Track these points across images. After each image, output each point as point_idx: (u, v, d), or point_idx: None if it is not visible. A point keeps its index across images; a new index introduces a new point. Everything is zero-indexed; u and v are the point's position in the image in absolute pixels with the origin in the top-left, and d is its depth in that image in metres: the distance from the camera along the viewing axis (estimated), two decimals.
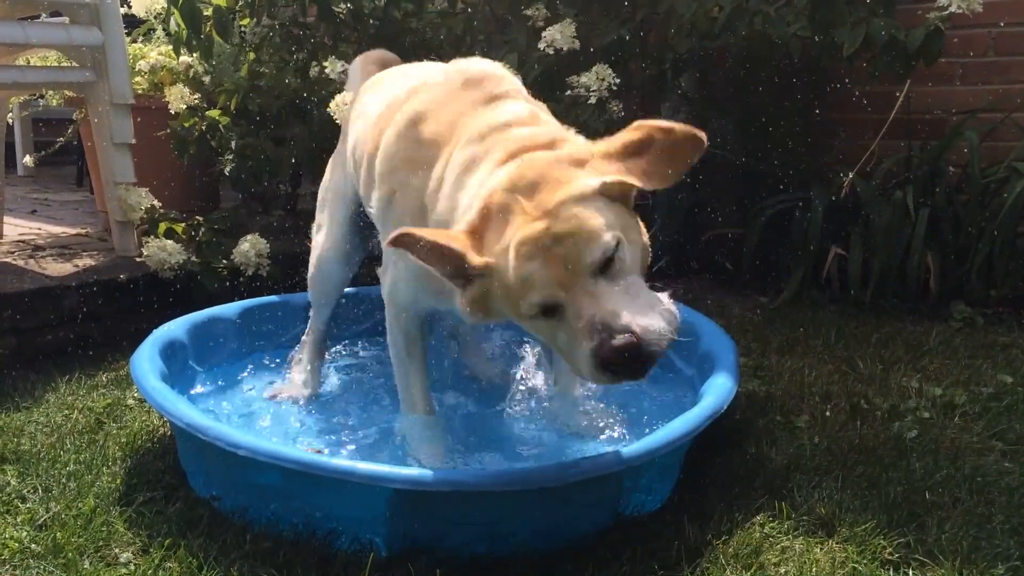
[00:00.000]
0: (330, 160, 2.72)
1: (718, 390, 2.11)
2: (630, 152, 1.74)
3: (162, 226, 3.53)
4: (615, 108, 3.22)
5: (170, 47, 4.00)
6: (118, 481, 2.10)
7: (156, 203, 3.57)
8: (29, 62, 4.24)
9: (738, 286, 3.72)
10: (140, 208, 3.50)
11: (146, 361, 2.27)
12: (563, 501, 1.81)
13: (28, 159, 5.60)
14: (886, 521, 1.87)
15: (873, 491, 2.00)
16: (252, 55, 4.03)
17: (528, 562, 1.74)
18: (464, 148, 1.89)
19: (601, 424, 2.31)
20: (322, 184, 2.72)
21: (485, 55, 2.83)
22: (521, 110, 1.97)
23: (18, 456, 2.23)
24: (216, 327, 2.76)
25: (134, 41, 4.41)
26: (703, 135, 1.73)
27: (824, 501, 1.96)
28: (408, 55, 3.64)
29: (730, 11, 3.18)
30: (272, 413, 2.46)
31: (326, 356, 2.74)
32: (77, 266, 3.41)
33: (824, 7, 3.13)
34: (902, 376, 2.70)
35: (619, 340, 1.55)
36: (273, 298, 3.00)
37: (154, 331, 2.51)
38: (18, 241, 3.89)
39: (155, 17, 4.03)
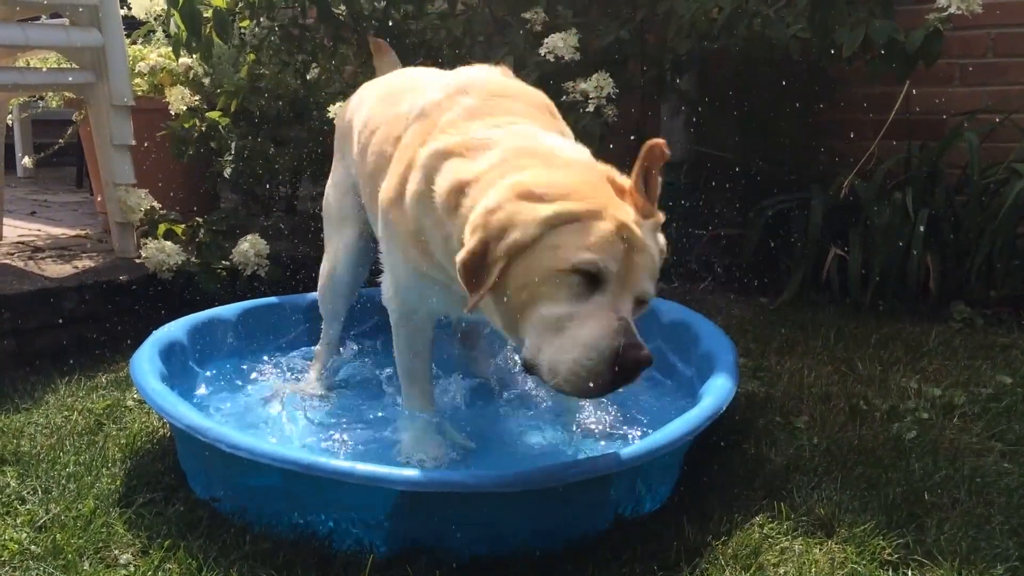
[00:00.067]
0: (329, 178, 2.74)
1: (718, 391, 2.12)
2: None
3: (162, 227, 3.53)
4: (611, 113, 3.23)
5: (170, 49, 4.00)
6: (118, 482, 2.10)
7: (156, 204, 3.57)
8: (29, 63, 4.24)
9: (737, 287, 3.72)
10: (140, 209, 3.50)
11: (146, 362, 2.27)
12: (563, 502, 1.81)
13: (27, 160, 5.60)
14: (885, 522, 1.87)
15: (872, 492, 2.00)
16: (252, 57, 4.03)
17: (528, 563, 1.74)
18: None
19: (601, 425, 2.31)
20: (324, 200, 2.74)
21: (484, 57, 2.84)
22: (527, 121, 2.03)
23: (18, 457, 2.23)
24: (216, 328, 2.76)
25: (134, 43, 4.41)
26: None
27: (823, 502, 1.96)
28: (408, 57, 3.66)
29: (730, 12, 3.18)
30: (272, 414, 2.45)
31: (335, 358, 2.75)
32: (77, 267, 3.41)
33: (823, 8, 3.13)
34: (901, 377, 2.70)
35: (642, 353, 1.62)
36: (273, 299, 3.01)
37: (154, 332, 2.52)
38: (17, 242, 3.89)
39: (155, 19, 4.03)
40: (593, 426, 2.32)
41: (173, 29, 3.87)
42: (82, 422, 2.46)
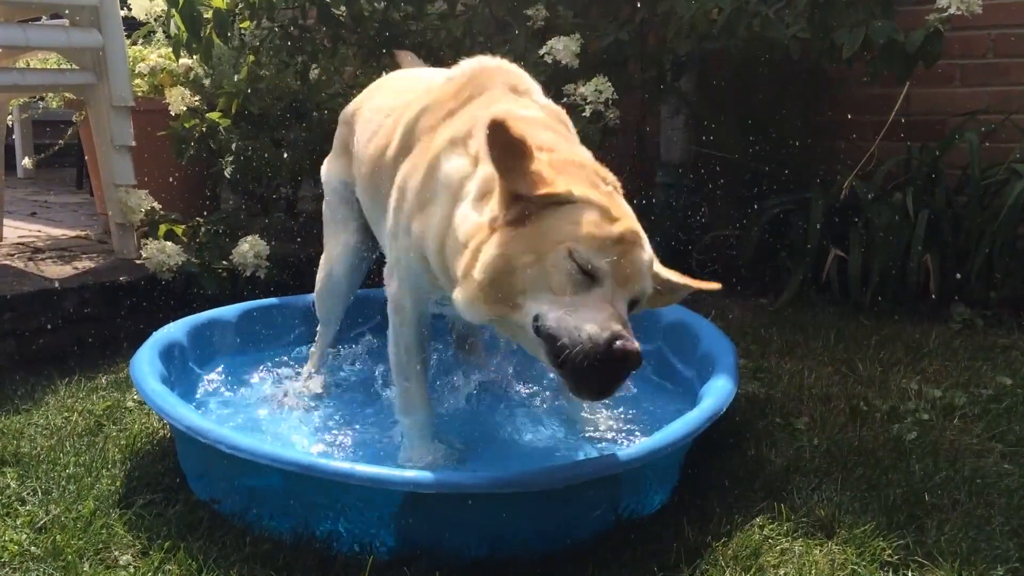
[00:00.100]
0: (327, 180, 2.74)
1: (718, 392, 2.12)
2: None
3: (162, 228, 3.53)
4: (611, 116, 3.23)
5: (170, 49, 4.01)
6: (118, 483, 2.10)
7: (156, 205, 3.57)
8: (29, 64, 4.24)
9: (738, 288, 3.72)
10: (140, 210, 3.50)
11: (146, 363, 2.27)
12: (563, 503, 1.81)
13: (28, 161, 5.62)
14: (885, 523, 1.87)
15: (872, 493, 2.00)
16: (252, 57, 4.04)
17: (528, 564, 1.74)
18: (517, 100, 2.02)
19: (602, 426, 2.31)
20: (324, 203, 2.74)
21: None
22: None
23: (18, 459, 2.23)
24: (216, 329, 2.76)
25: (134, 44, 4.41)
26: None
27: (823, 503, 1.96)
28: None
29: (729, 13, 3.18)
30: (273, 415, 2.46)
31: (330, 360, 2.75)
32: (77, 268, 3.41)
33: (823, 9, 3.13)
34: (902, 378, 2.70)
35: (629, 346, 1.63)
36: (273, 300, 3.01)
37: (154, 333, 2.52)
38: (18, 243, 3.89)
39: (155, 20, 4.03)
40: (593, 427, 2.32)
41: (173, 30, 3.87)
42: (82, 423, 2.46)
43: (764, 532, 1.86)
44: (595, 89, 3.18)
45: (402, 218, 2.08)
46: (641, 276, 1.75)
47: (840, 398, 2.55)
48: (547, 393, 2.50)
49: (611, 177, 1.90)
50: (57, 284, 3.16)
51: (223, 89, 4.02)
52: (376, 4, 3.76)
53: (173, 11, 3.72)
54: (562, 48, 3.21)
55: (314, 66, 4.02)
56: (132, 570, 1.75)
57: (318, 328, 2.74)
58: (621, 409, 2.40)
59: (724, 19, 3.20)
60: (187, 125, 3.89)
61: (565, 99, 3.21)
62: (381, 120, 2.37)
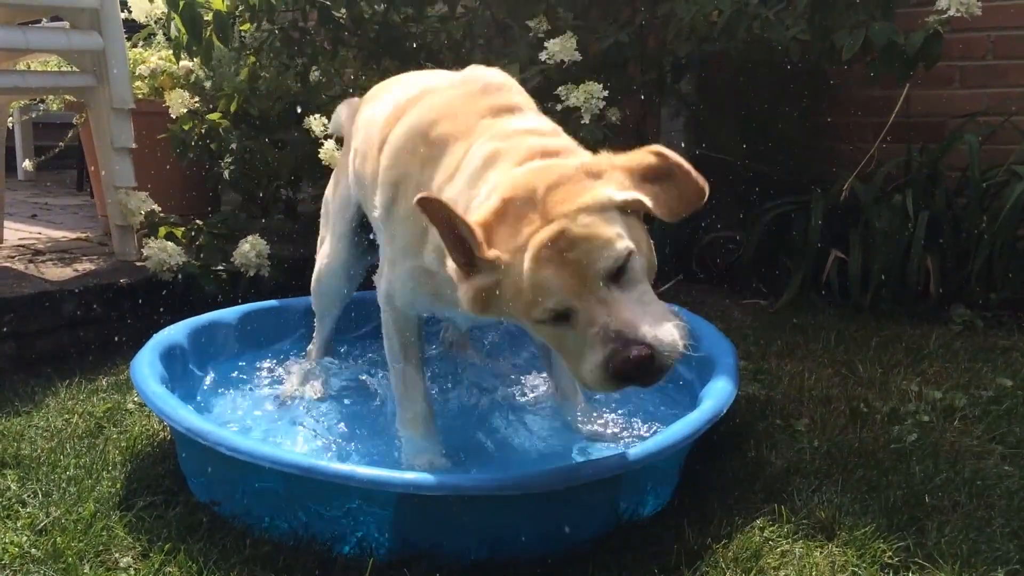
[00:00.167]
0: (332, 174, 2.73)
1: (718, 394, 2.11)
2: (648, 177, 1.75)
3: (162, 230, 3.54)
4: (613, 117, 3.22)
5: (170, 52, 4.01)
6: (118, 486, 2.10)
7: (156, 207, 3.58)
8: (30, 67, 4.25)
9: (738, 289, 3.72)
10: (140, 212, 3.50)
11: (146, 365, 2.27)
12: (564, 505, 1.81)
13: (28, 163, 5.62)
14: (886, 525, 1.87)
15: (873, 495, 2.00)
16: (252, 59, 4.04)
17: (528, 566, 1.74)
18: (486, 143, 1.87)
19: (601, 428, 2.31)
20: (324, 198, 2.73)
21: (485, 60, 2.84)
22: (545, 122, 2.00)
23: (18, 461, 2.23)
24: (217, 331, 2.76)
25: (134, 46, 4.41)
26: (707, 187, 1.77)
27: (824, 505, 1.96)
28: (408, 60, 3.66)
29: (729, 15, 3.18)
30: (273, 416, 2.46)
31: (329, 362, 2.75)
32: (77, 270, 3.41)
33: (823, 11, 3.13)
34: (902, 380, 2.70)
35: (635, 351, 1.56)
36: (273, 302, 3.00)
37: (154, 335, 2.52)
38: (18, 245, 3.89)
39: (155, 22, 4.03)
40: (593, 429, 2.31)
41: (173, 32, 3.87)
42: (82, 425, 2.46)
43: (764, 534, 1.86)
44: (586, 92, 3.16)
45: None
46: (594, 263, 1.62)
47: (840, 400, 2.55)
48: (546, 393, 2.50)
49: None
50: (57, 286, 3.16)
51: (223, 91, 4.02)
52: (376, 6, 3.76)
53: (173, 13, 3.71)
54: (560, 48, 3.21)
55: (314, 68, 4.02)
56: (132, 572, 1.75)
57: (315, 323, 2.72)
58: (621, 410, 2.40)
59: (724, 21, 3.20)
60: (187, 127, 3.90)
61: (562, 102, 3.20)
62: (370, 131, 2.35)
